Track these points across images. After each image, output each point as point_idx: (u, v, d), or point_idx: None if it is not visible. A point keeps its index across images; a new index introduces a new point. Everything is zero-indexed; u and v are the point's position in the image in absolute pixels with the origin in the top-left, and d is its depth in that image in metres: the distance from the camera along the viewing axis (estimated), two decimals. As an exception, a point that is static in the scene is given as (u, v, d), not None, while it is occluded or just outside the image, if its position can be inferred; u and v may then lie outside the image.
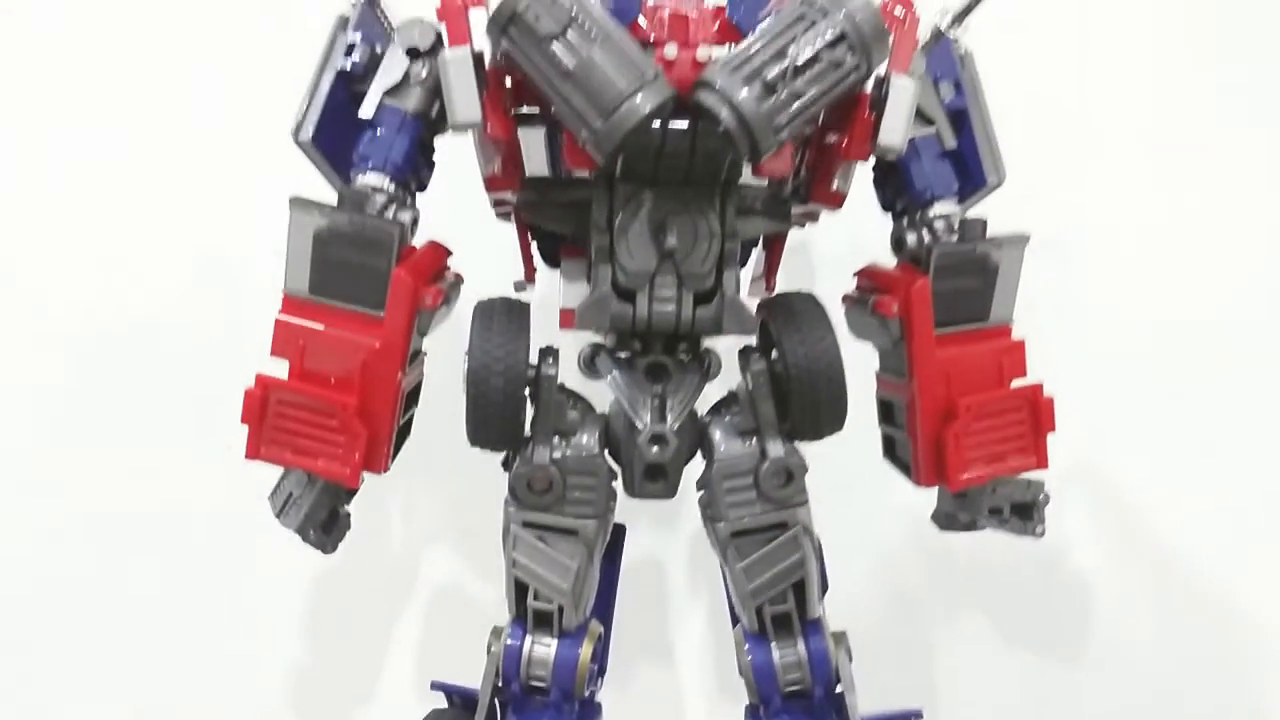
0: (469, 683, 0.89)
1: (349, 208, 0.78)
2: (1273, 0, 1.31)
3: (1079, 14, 1.32)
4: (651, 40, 0.75)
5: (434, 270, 0.82)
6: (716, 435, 0.85)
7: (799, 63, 0.68)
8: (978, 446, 0.82)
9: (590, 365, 0.87)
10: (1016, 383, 0.85)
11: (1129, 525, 1.31)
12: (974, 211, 0.86)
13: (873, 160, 0.83)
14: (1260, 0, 1.32)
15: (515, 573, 0.84)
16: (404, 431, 0.85)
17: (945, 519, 0.90)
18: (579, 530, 0.82)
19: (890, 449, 0.89)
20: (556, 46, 0.68)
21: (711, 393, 0.89)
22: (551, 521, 0.82)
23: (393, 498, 1.34)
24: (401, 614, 1.34)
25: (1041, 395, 0.84)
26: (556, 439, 0.82)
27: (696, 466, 0.87)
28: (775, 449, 0.82)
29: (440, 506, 1.32)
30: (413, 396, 0.85)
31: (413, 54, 0.81)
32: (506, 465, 0.85)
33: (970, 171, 0.86)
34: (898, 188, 0.86)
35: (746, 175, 0.81)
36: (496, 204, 0.88)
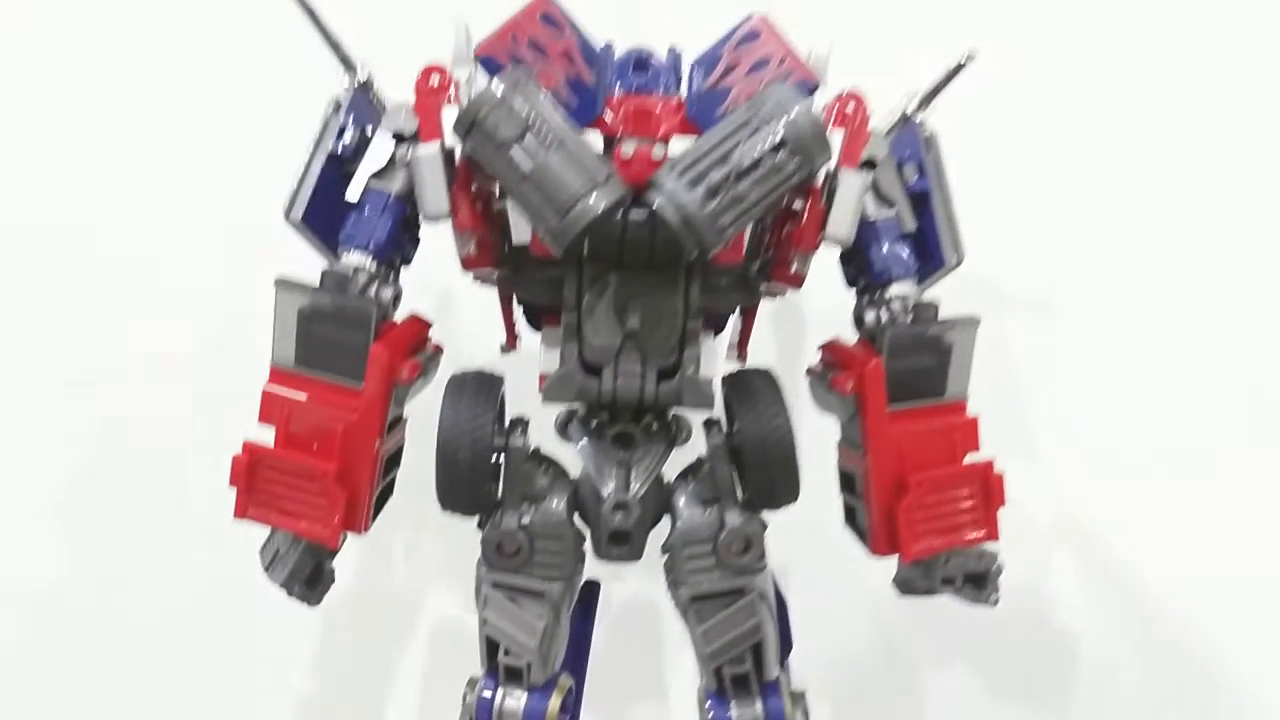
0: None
1: (331, 288, 0.83)
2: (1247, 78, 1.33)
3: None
4: (618, 133, 0.80)
5: (412, 344, 0.87)
6: (680, 502, 0.89)
7: (742, 167, 0.72)
8: (930, 520, 0.85)
9: (563, 431, 0.91)
10: (970, 457, 0.87)
11: (1115, 580, 1.32)
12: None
13: None
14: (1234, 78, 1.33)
15: (486, 630, 0.88)
16: (386, 492, 0.90)
17: (904, 584, 0.93)
18: (545, 592, 0.86)
19: (851, 517, 0.92)
20: (515, 151, 0.73)
21: (683, 457, 0.93)
22: (520, 583, 0.87)
23: (397, 538, 1.39)
24: (404, 652, 1.39)
25: (992, 471, 0.87)
26: (525, 504, 0.87)
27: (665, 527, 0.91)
28: (733, 518, 0.86)
29: (442, 547, 1.38)
30: (394, 460, 0.90)
31: (398, 138, 0.86)
32: (481, 526, 0.89)
33: (930, 252, 0.89)
34: (859, 266, 0.89)
35: None
36: (476, 276, 0.93)
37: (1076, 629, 1.32)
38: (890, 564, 0.96)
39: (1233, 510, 1.31)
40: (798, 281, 0.87)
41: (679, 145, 0.80)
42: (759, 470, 0.84)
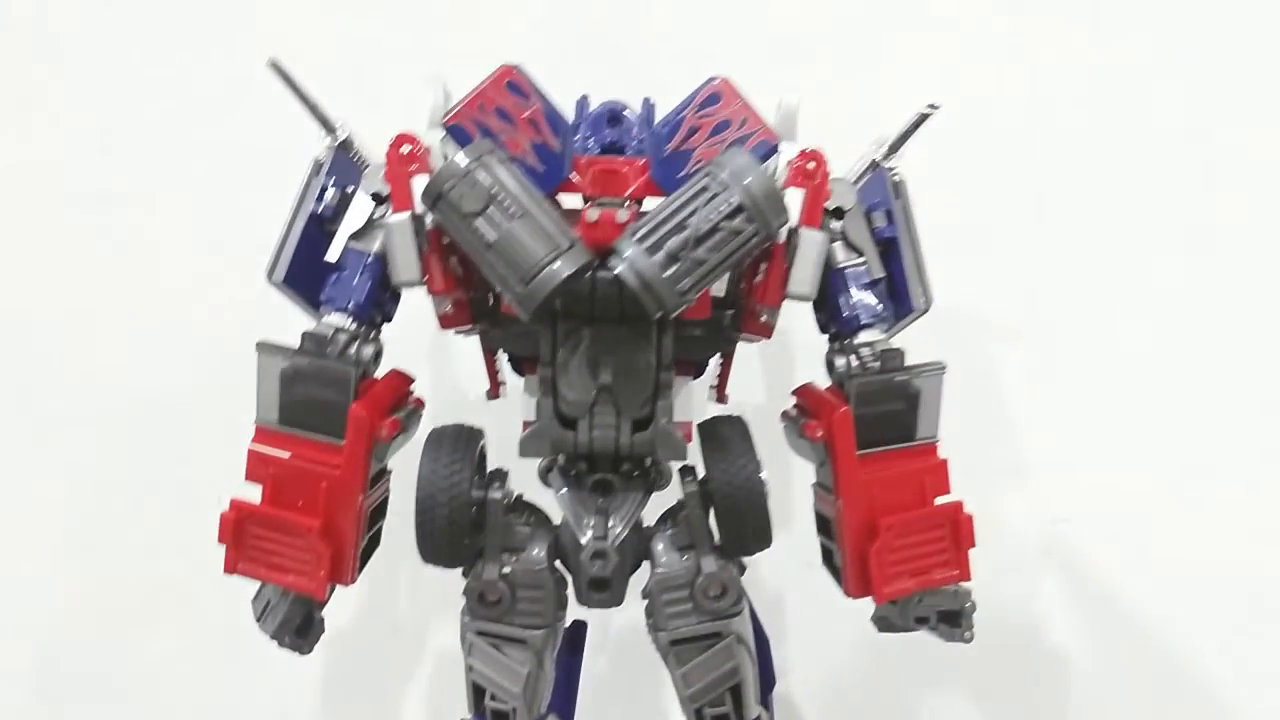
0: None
1: (310, 350, 0.85)
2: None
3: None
4: (586, 194, 0.82)
5: (393, 401, 0.89)
6: (658, 548, 0.91)
7: (700, 233, 0.74)
8: (901, 562, 0.87)
9: (545, 478, 0.94)
10: (941, 499, 0.89)
11: (1104, 599, 1.34)
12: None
13: None
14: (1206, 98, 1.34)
15: (472, 676, 0.91)
16: (373, 542, 0.93)
17: (881, 622, 0.95)
18: (528, 640, 0.89)
19: (828, 558, 0.94)
20: (479, 222, 0.75)
21: (664, 500, 0.95)
22: (503, 631, 0.89)
23: (401, 571, 1.42)
24: (408, 683, 1.42)
25: (961, 512, 0.88)
26: (506, 555, 0.89)
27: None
28: (709, 564, 0.88)
29: (444, 580, 1.39)
30: (379, 511, 0.92)
31: (377, 199, 0.89)
32: (465, 574, 0.92)
33: (899, 297, 0.91)
34: (830, 314, 0.91)
35: None
36: (456, 331, 0.95)
37: (1067, 649, 1.34)
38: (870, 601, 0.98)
39: (1221, 528, 1.32)
40: (767, 332, 0.88)
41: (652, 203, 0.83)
42: (731, 519, 0.86)
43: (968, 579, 0.89)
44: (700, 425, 0.92)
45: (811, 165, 0.82)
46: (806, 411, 0.91)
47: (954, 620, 0.91)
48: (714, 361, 1.00)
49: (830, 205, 0.87)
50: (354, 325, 0.87)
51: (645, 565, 0.94)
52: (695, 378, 0.99)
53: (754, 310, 0.86)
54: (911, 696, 1.38)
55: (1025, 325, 1.34)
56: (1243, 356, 1.33)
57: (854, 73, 1.34)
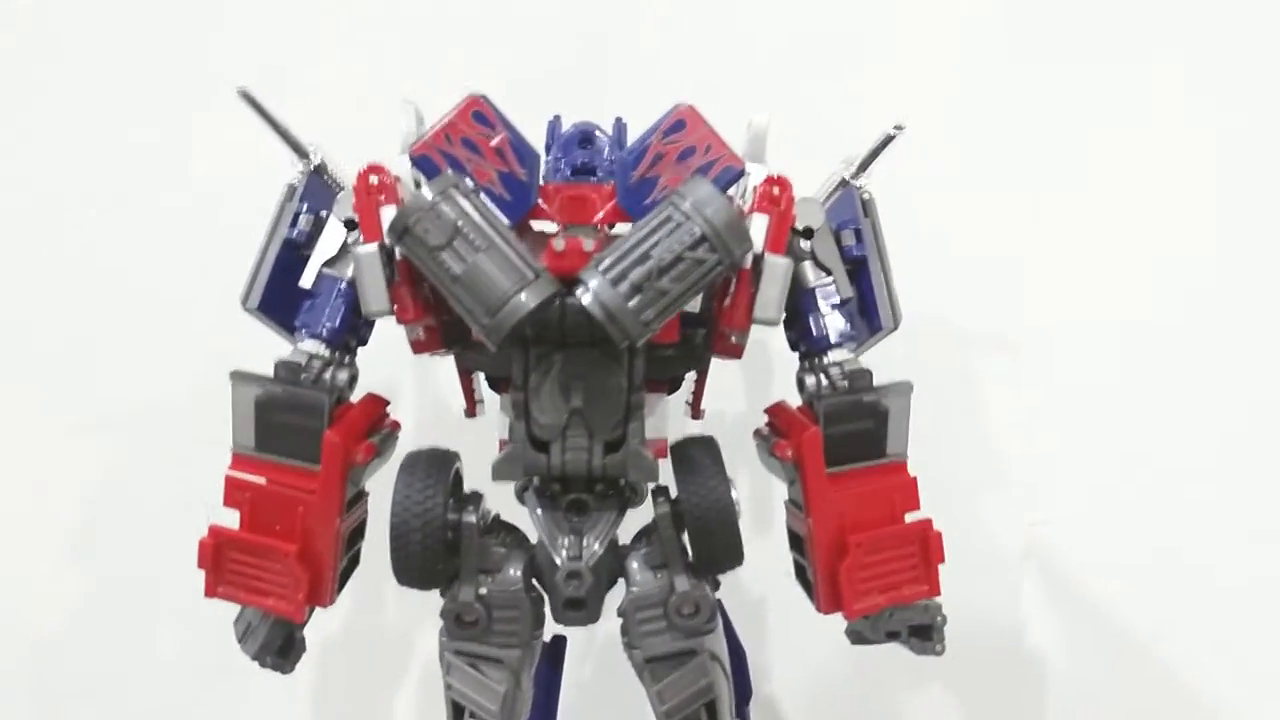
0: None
1: (284, 377, 0.86)
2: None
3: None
4: (555, 221, 0.83)
5: (368, 425, 0.90)
6: (633, 567, 0.92)
7: (663, 264, 0.74)
8: (871, 579, 0.88)
9: (521, 498, 0.95)
10: (910, 516, 0.90)
11: (1082, 602, 1.36)
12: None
13: None
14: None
15: (451, 694, 0.92)
16: (352, 563, 0.94)
17: (854, 635, 0.96)
18: (504, 659, 0.90)
19: (800, 573, 0.95)
20: (445, 255, 0.75)
21: (639, 516, 0.96)
22: (480, 650, 0.90)
23: (389, 582, 1.43)
24: (397, 691, 1.44)
25: (931, 529, 0.90)
26: (482, 575, 0.90)
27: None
28: (682, 583, 0.89)
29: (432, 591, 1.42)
30: (357, 533, 0.93)
31: (349, 225, 0.89)
32: (442, 595, 0.93)
33: (868, 316, 0.92)
34: (799, 333, 0.92)
35: None
36: (431, 354, 0.96)
37: (1045, 649, 1.36)
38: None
39: (1196, 529, 1.34)
40: (738, 352, 0.89)
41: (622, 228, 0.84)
42: (702, 539, 0.87)
43: (937, 594, 0.90)
44: (672, 447, 0.93)
45: (776, 191, 0.82)
46: (777, 430, 0.92)
47: (925, 634, 0.92)
48: (689, 377, 1.01)
49: (799, 225, 0.88)
50: (328, 351, 0.88)
51: (620, 581, 0.95)
52: (670, 393, 1.00)
53: (723, 332, 0.87)
54: (892, 697, 1.39)
55: (1002, 331, 1.35)
56: (1216, 358, 1.35)
57: (827, 86, 1.35)
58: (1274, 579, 1.32)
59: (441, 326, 0.90)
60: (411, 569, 0.87)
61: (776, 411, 0.94)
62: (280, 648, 0.94)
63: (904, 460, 0.91)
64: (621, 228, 0.86)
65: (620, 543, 0.94)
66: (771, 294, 0.82)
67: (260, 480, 0.88)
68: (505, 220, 0.80)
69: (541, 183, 0.86)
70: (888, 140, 0.90)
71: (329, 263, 0.90)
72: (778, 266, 0.82)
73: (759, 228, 0.82)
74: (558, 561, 0.89)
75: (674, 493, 0.91)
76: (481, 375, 1.00)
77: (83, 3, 1.39)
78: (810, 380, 0.90)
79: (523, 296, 0.75)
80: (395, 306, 0.83)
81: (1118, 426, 1.34)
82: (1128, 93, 1.36)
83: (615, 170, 0.89)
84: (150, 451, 1.40)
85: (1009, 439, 1.36)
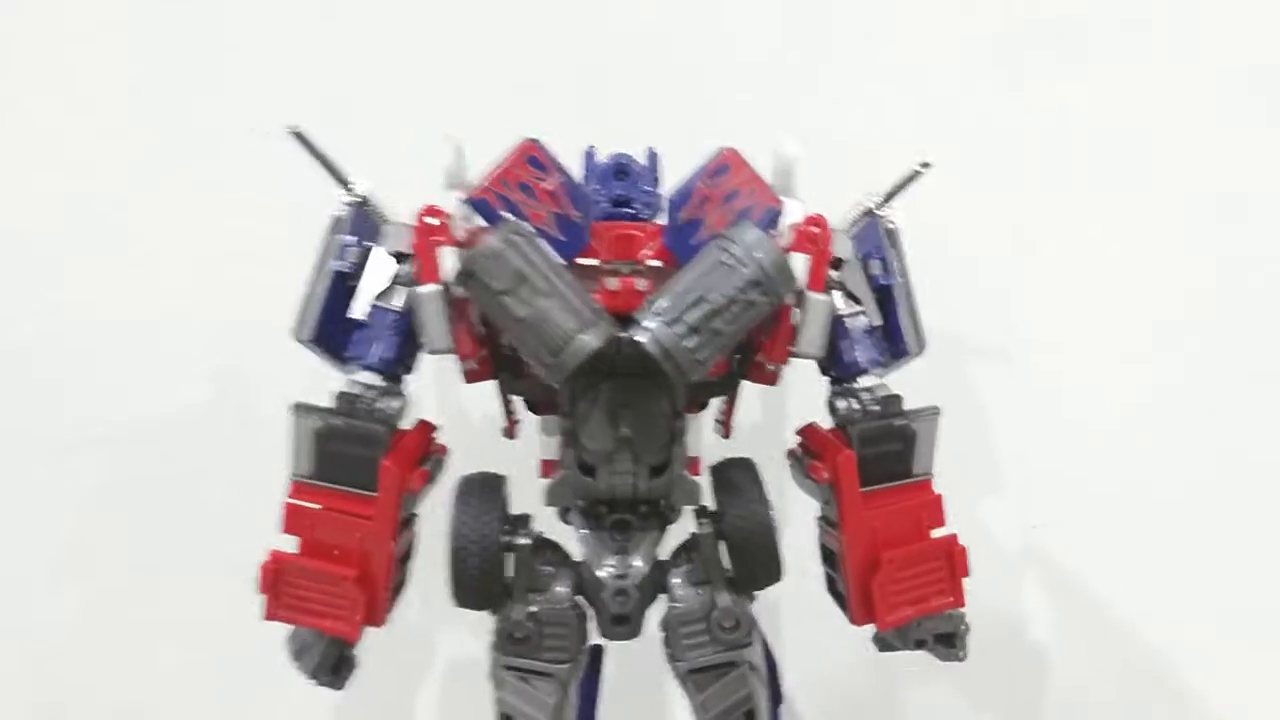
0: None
1: (343, 410, 0.89)
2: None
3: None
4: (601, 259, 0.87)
5: (421, 452, 0.94)
6: (674, 582, 0.97)
7: (717, 307, 0.79)
8: (902, 592, 0.93)
9: (564, 517, 0.99)
10: (936, 532, 0.96)
11: (1080, 599, 1.42)
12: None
13: None
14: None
15: (500, 707, 0.96)
16: (401, 581, 0.98)
17: (881, 643, 1.01)
18: (554, 673, 0.94)
19: (832, 585, 1.00)
20: (508, 299, 0.79)
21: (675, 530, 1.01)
22: (531, 666, 0.94)
23: (414, 582, 1.47)
24: (419, 688, 1.48)
25: (956, 544, 0.95)
26: (532, 594, 0.94)
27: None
28: (723, 599, 0.94)
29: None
30: (407, 554, 0.97)
31: (398, 257, 0.93)
32: (493, 614, 0.97)
33: (894, 342, 0.96)
34: (831, 358, 0.96)
35: None
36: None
37: (1045, 646, 1.42)
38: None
39: (1190, 531, 1.40)
40: (773, 380, 0.94)
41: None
42: (745, 559, 0.92)
43: (962, 605, 0.96)
44: (713, 469, 0.97)
45: (815, 230, 0.86)
46: (810, 452, 0.96)
47: (949, 641, 0.98)
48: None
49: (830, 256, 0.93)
50: (381, 381, 0.92)
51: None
52: (699, 412, 1.04)
53: (761, 363, 0.91)
54: (900, 692, 1.45)
55: (1000, 335, 1.40)
56: (1213, 361, 1.40)
57: (834, 104, 1.39)
58: (1268, 578, 1.39)
59: (491, 357, 0.94)
60: (470, 591, 0.91)
61: (809, 433, 0.98)
62: (334, 665, 0.97)
63: (929, 478, 0.96)
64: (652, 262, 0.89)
65: (659, 559, 0.99)
66: (814, 330, 0.87)
67: (319, 507, 0.91)
68: (562, 261, 0.83)
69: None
70: (915, 175, 0.94)
71: (380, 295, 0.93)
72: (820, 304, 0.87)
73: (799, 266, 0.86)
74: (605, 580, 0.93)
75: (712, 516, 0.95)
76: (520, 399, 1.04)
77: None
78: (842, 404, 0.95)
79: (585, 338, 0.79)
80: (456, 345, 0.86)
81: (1115, 431, 1.40)
82: (1124, 100, 1.41)
83: (652, 203, 0.94)
84: (146, 465, 1.43)
85: (1007, 444, 1.42)
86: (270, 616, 0.92)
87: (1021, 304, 1.41)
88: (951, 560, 0.95)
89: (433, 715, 1.49)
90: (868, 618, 0.94)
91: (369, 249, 0.94)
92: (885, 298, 0.96)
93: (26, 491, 1.42)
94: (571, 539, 0.99)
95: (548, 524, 1.00)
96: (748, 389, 1.36)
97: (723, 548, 0.95)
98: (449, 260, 0.86)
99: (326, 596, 0.91)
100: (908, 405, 0.95)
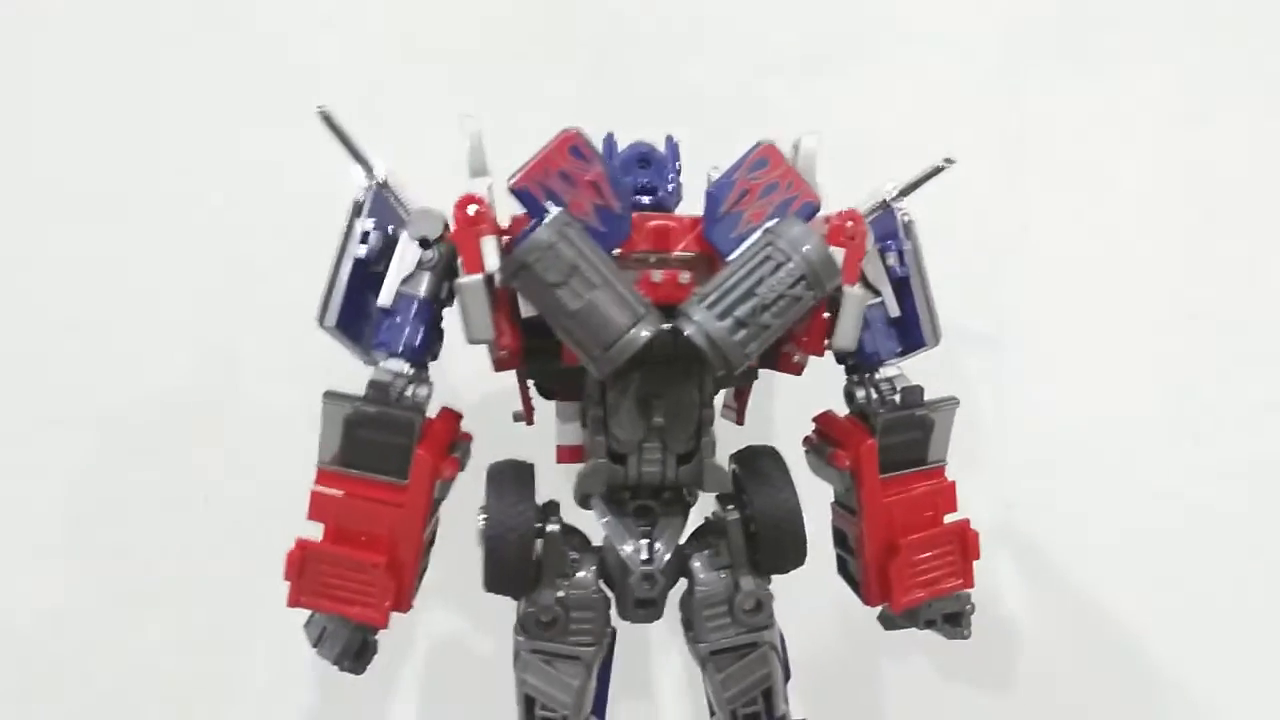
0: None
1: (374, 397, 0.89)
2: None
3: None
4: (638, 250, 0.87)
5: (450, 441, 0.94)
6: (696, 566, 0.98)
7: (766, 302, 0.80)
8: (917, 575, 0.97)
9: (585, 503, 0.99)
10: (949, 517, 0.99)
11: (1049, 573, 1.48)
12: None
13: None
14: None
15: (524, 689, 0.97)
16: (424, 568, 0.98)
17: (887, 622, 1.05)
18: (580, 656, 0.96)
19: (843, 567, 1.04)
20: (561, 291, 0.79)
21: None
22: (556, 650, 0.95)
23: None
24: (401, 667, 1.48)
25: (969, 529, 0.99)
26: (559, 580, 0.95)
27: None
28: (747, 583, 0.96)
29: (436, 565, 1.45)
30: (430, 540, 0.97)
31: (424, 243, 0.92)
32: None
33: (910, 333, 0.99)
34: None
35: None
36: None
37: (1017, 617, 1.48)
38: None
39: (1157, 510, 1.47)
40: (798, 370, 0.95)
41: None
42: (772, 544, 0.94)
43: (972, 586, 1.00)
44: (738, 455, 0.99)
45: (850, 225, 0.88)
46: (829, 439, 0.99)
47: (956, 621, 1.02)
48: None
49: None
50: (409, 369, 0.91)
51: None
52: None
53: (790, 353, 0.93)
54: (876, 665, 1.50)
55: (979, 316, 1.45)
56: (1178, 348, 1.47)
57: (841, 94, 1.41)
58: (1232, 554, 1.46)
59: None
60: (505, 578, 0.92)
61: (828, 421, 1.01)
62: (357, 651, 0.97)
63: (943, 465, 1.00)
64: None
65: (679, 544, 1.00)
66: (849, 324, 0.89)
67: (346, 494, 0.90)
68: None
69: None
70: (937, 171, 0.96)
71: (405, 281, 0.92)
72: (855, 298, 0.89)
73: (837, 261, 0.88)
74: (631, 565, 0.95)
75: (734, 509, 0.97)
76: (533, 384, 1.04)
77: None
78: (860, 393, 0.97)
79: (635, 332, 0.80)
80: (498, 335, 0.86)
81: (1092, 415, 1.46)
82: (1118, 98, 1.45)
83: (675, 192, 0.94)
84: (131, 447, 1.41)
85: (989, 424, 1.46)
86: (294, 603, 0.92)
87: (1002, 281, 1.45)
88: (965, 544, 0.98)
89: (414, 692, 1.48)
90: (883, 599, 0.98)
91: (391, 235, 0.92)
92: (901, 288, 0.98)
93: (11, 471, 1.40)
94: (590, 524, 1.00)
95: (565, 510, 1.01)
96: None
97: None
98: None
99: (353, 583, 0.91)
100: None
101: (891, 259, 0.98)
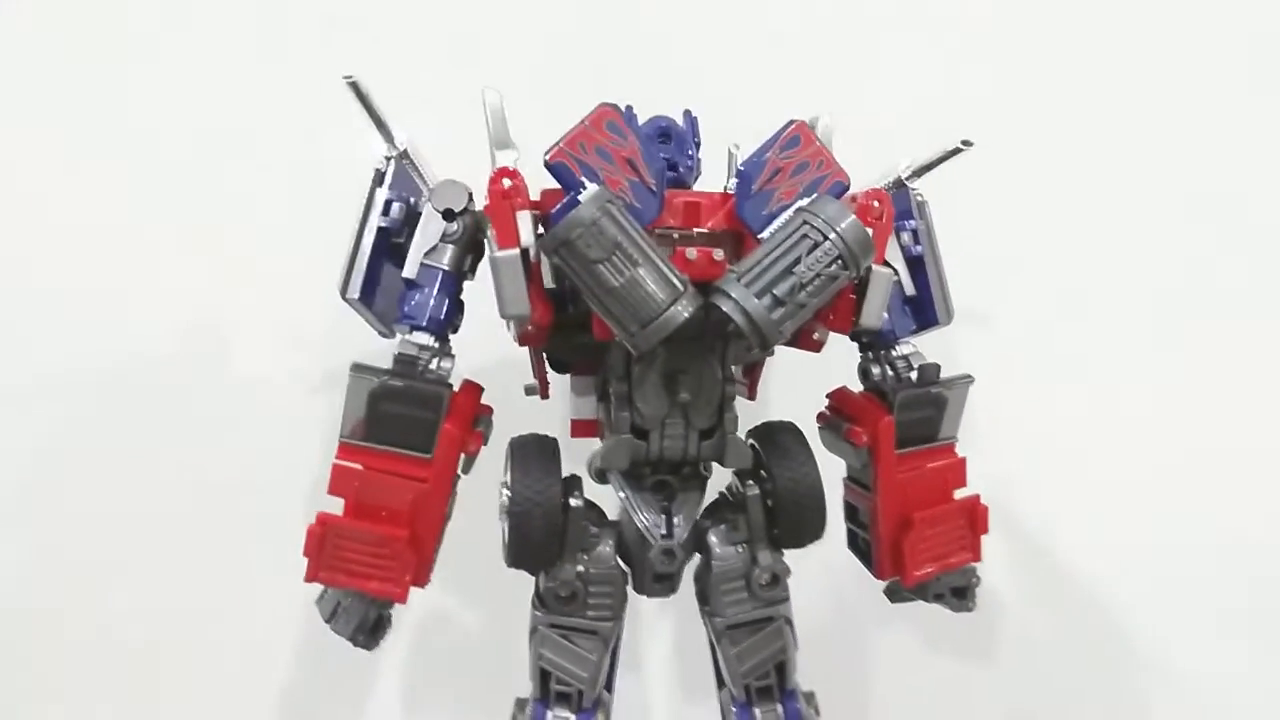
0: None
1: (401, 371, 0.88)
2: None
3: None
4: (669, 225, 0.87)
5: (474, 415, 0.93)
6: (713, 540, 0.99)
7: (804, 281, 0.80)
8: (928, 549, 0.99)
9: (601, 478, 1.00)
10: (959, 492, 1.01)
11: (1032, 548, 1.52)
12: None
13: None
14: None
15: (541, 664, 0.97)
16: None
17: (893, 594, 1.07)
18: (599, 630, 0.96)
19: (854, 541, 1.05)
20: (603, 268, 0.79)
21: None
22: (575, 624, 0.96)
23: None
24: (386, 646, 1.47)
25: (979, 504, 1.01)
26: (580, 554, 0.96)
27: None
28: (765, 558, 0.97)
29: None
30: (448, 515, 0.97)
31: (448, 215, 0.91)
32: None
33: (924, 311, 1.00)
34: None
35: None
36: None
37: (1001, 590, 1.51)
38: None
39: (1141, 488, 1.52)
40: (818, 347, 0.96)
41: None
42: (791, 518, 0.95)
43: (979, 560, 1.02)
44: (756, 430, 1.00)
45: (877, 204, 0.89)
46: (844, 416, 1.00)
47: (962, 594, 1.04)
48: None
49: None
50: (434, 342, 0.90)
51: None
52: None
53: (812, 330, 0.93)
54: (864, 633, 1.53)
55: (971, 300, 1.46)
56: (1169, 331, 1.52)
57: (851, 74, 1.41)
58: (1210, 528, 1.51)
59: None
60: (530, 552, 0.92)
61: (841, 398, 1.02)
62: (371, 626, 0.96)
63: (954, 441, 1.01)
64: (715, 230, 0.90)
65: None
66: (877, 303, 0.90)
67: (369, 469, 0.89)
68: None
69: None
70: (954, 153, 0.97)
71: (428, 253, 0.91)
72: (883, 277, 0.89)
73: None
74: (651, 540, 0.95)
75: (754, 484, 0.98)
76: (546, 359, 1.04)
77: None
78: (875, 370, 0.98)
79: (677, 308, 0.80)
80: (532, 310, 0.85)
81: (1073, 393, 1.50)
82: (1119, 94, 1.49)
83: (694, 167, 0.95)
84: (101, 415, 1.40)
85: (979, 400, 1.49)
86: (311, 578, 0.91)
87: (994, 265, 1.46)
88: (974, 518, 1.01)
89: (398, 669, 1.48)
90: (896, 572, 1.00)
91: (413, 205, 0.91)
92: (915, 267, 1.00)
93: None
94: (605, 499, 1.00)
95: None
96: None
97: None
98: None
99: (373, 558, 0.90)
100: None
101: (906, 238, 0.99)
